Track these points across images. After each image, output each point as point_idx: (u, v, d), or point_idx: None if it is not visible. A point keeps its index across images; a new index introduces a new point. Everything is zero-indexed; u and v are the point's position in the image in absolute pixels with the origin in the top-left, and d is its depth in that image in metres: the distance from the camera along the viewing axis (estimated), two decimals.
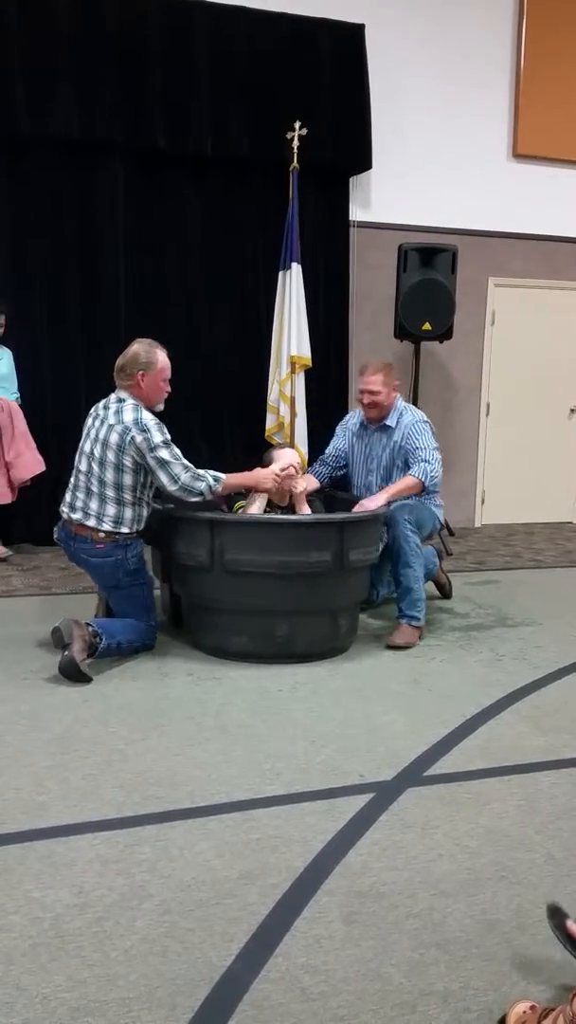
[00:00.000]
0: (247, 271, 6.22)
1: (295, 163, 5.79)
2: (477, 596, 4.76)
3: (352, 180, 6.48)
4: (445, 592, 4.66)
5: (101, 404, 3.56)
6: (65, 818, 2.26)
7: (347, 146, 6.25)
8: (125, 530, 3.45)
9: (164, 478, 3.39)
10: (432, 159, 6.66)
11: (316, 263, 6.24)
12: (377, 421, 4.15)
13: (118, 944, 1.76)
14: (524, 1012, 1.50)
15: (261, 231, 6.17)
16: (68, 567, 5.27)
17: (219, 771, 2.55)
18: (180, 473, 3.40)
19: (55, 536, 3.63)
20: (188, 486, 3.41)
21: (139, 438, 3.36)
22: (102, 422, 3.46)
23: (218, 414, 6.25)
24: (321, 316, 6.27)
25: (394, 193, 6.60)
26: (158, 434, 3.39)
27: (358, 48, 6.18)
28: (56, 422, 5.85)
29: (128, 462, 3.39)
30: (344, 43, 6.14)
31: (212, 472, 3.51)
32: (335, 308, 6.45)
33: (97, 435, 3.45)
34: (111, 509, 3.43)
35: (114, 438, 3.39)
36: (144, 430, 3.37)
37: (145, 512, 3.54)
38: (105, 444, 3.41)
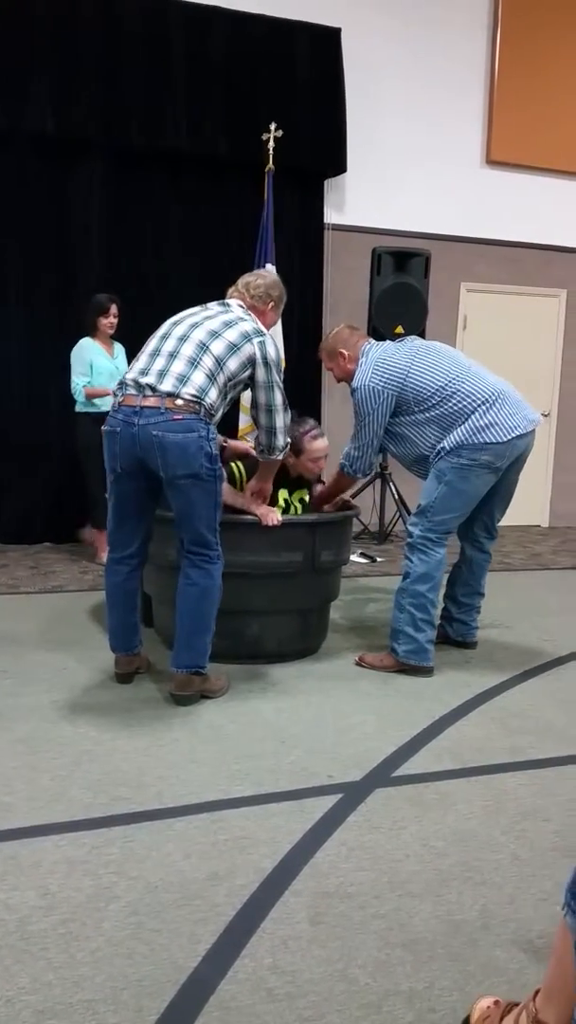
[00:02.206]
0: (221, 272, 6.19)
1: (270, 164, 5.80)
2: None
3: (327, 183, 6.51)
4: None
5: (214, 303, 3.12)
6: (32, 819, 2.24)
7: (322, 149, 6.28)
8: (209, 401, 2.85)
9: (279, 397, 3.01)
10: (406, 164, 6.71)
11: (290, 265, 6.25)
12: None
13: (84, 946, 1.75)
14: (488, 1008, 1.51)
15: (236, 232, 6.17)
16: (37, 566, 5.23)
17: (187, 771, 2.55)
18: (284, 407, 3.05)
19: (105, 427, 2.96)
20: (285, 426, 3.07)
21: (271, 350, 2.98)
22: (221, 311, 3.02)
23: None
24: (295, 318, 6.29)
25: (368, 197, 6.64)
26: (276, 355, 3.02)
27: (335, 51, 6.21)
28: (27, 421, 5.81)
29: (246, 350, 2.92)
30: (321, 46, 6.17)
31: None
32: (309, 310, 6.47)
33: (214, 316, 2.99)
34: (200, 378, 2.84)
35: (246, 327, 2.96)
36: (276, 348, 3.02)
37: (219, 419, 2.98)
38: (228, 324, 2.95)
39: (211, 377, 2.86)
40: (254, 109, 5.93)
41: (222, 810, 2.32)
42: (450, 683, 3.41)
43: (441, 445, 3.43)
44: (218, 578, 3.03)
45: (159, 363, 2.88)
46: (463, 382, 3.43)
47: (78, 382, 5.03)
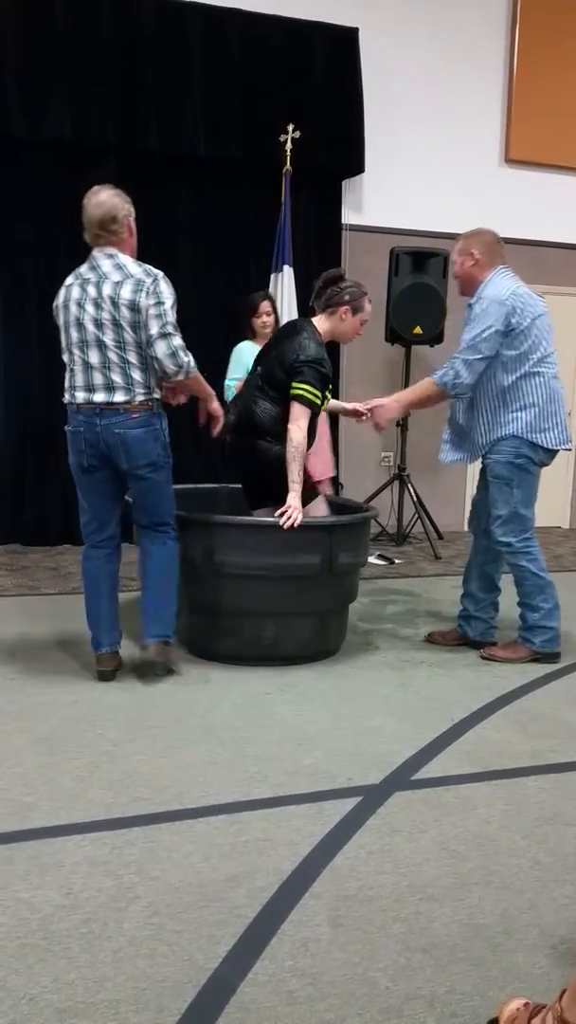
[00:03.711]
0: (239, 273, 6.22)
1: (288, 166, 5.81)
2: None
3: (345, 183, 6.50)
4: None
5: (84, 268, 3.19)
6: (53, 819, 2.26)
7: (340, 149, 6.26)
8: (156, 395, 3.19)
9: (155, 326, 3.05)
10: (425, 163, 6.68)
11: (308, 266, 6.24)
12: (463, 296, 3.63)
13: (106, 946, 1.76)
14: (517, 1010, 1.51)
15: (254, 233, 6.18)
16: (57, 567, 5.27)
17: (206, 773, 2.56)
18: (175, 333, 3.10)
19: (69, 428, 3.22)
20: (178, 348, 3.09)
21: (148, 282, 3.08)
22: (99, 285, 3.10)
23: None
24: None
25: (386, 197, 6.63)
26: (166, 286, 3.12)
27: (352, 51, 6.20)
28: (46, 425, 5.83)
29: (147, 315, 3.08)
30: (338, 46, 6.16)
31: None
32: None
33: (101, 297, 3.09)
34: (138, 375, 3.13)
35: (127, 293, 3.07)
36: (155, 277, 3.11)
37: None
38: (116, 304, 3.07)
39: (144, 367, 3.14)
40: (271, 111, 5.93)
41: (241, 812, 2.33)
42: (470, 686, 3.40)
43: (489, 427, 3.48)
44: (177, 554, 3.35)
45: (98, 378, 3.14)
46: (552, 373, 3.49)
47: (228, 383, 4.94)
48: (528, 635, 3.66)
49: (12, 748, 2.68)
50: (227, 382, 4.98)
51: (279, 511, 3.32)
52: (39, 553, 5.68)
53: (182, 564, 3.39)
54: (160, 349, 3.08)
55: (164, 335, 3.08)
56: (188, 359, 3.13)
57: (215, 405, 3.39)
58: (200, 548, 3.39)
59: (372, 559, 5.62)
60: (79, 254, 6.11)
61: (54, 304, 3.27)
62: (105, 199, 3.19)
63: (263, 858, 2.10)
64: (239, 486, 3.82)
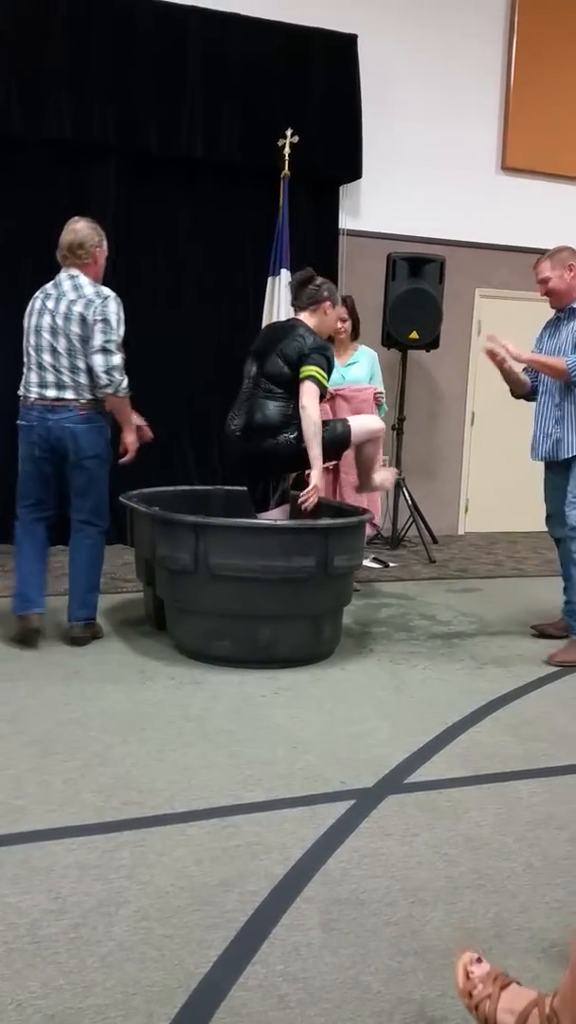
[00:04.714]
0: (236, 276, 6.22)
1: (286, 170, 5.82)
2: (459, 604, 4.77)
3: (342, 188, 6.50)
4: None
5: (49, 285, 3.62)
6: (43, 822, 2.24)
7: (338, 155, 6.27)
8: (99, 395, 3.55)
9: (99, 340, 3.45)
10: (422, 170, 6.69)
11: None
12: (560, 308, 3.94)
13: (95, 951, 1.75)
14: (470, 956, 1.53)
15: (251, 237, 6.18)
16: (51, 569, 5.24)
17: (199, 776, 2.54)
18: (116, 352, 3.49)
19: (23, 422, 3.62)
20: (115, 366, 3.48)
21: (98, 303, 3.49)
22: (57, 300, 3.53)
23: (205, 419, 6.25)
24: None
25: (384, 202, 6.63)
26: (115, 306, 3.52)
27: (350, 57, 6.21)
28: None
29: (91, 328, 3.48)
30: (337, 52, 6.17)
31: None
32: None
33: (57, 310, 3.51)
34: (84, 379, 3.52)
35: (79, 310, 3.48)
36: (105, 298, 3.52)
37: None
38: (68, 318, 3.49)
39: (90, 372, 3.52)
40: (270, 115, 5.93)
41: (233, 815, 2.32)
42: (463, 689, 3.39)
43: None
44: (103, 545, 3.77)
45: (50, 377, 3.54)
46: None
47: None
48: None
49: (4, 750, 2.67)
50: None
51: (303, 494, 3.45)
52: None
53: (178, 566, 3.39)
54: (97, 361, 3.47)
55: (104, 350, 3.48)
56: (122, 379, 3.52)
57: (131, 438, 3.74)
58: (195, 550, 3.38)
59: (366, 562, 5.62)
60: None
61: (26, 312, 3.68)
62: (80, 228, 3.61)
63: (255, 862, 2.09)
64: (235, 488, 3.82)
